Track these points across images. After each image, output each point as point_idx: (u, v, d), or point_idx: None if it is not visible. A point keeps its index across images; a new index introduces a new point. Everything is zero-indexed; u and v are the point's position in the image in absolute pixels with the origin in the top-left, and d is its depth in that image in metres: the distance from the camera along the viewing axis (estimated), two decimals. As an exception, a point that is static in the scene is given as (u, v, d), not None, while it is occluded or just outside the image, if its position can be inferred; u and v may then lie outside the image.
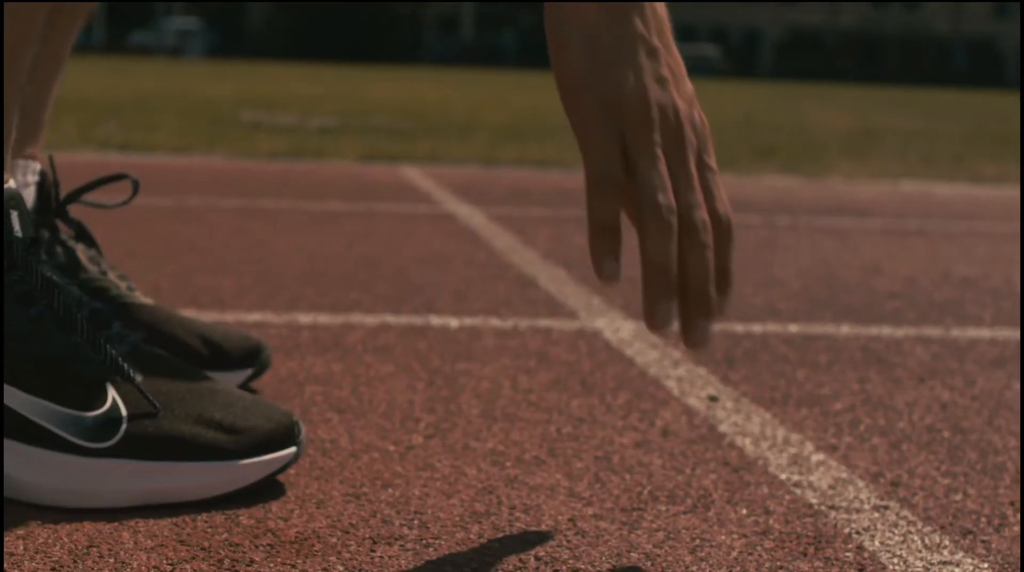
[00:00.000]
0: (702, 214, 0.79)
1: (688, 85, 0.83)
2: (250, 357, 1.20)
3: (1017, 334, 1.67)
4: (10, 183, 0.89)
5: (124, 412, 0.89)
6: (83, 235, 1.18)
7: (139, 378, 0.90)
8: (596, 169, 0.79)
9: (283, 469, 0.93)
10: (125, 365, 0.90)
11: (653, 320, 0.77)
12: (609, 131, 0.79)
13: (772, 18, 53.34)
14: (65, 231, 1.16)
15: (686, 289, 0.78)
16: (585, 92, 0.80)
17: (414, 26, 52.45)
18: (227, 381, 1.15)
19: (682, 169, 0.80)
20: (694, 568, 0.82)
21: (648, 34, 0.82)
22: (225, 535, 0.84)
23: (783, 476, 1.02)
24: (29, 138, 1.15)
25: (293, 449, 0.93)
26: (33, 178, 1.13)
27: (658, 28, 0.83)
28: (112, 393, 0.89)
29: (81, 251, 1.16)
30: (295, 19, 49.28)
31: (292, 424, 0.94)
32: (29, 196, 1.12)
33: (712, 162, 0.83)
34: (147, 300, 1.19)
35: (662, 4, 0.84)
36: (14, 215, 0.88)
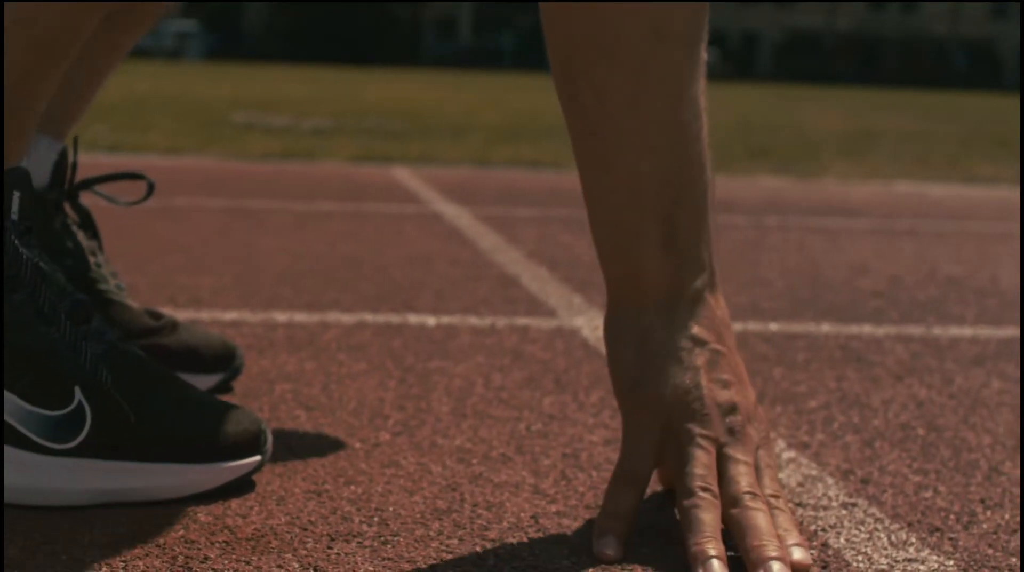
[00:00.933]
0: (750, 488, 0.82)
1: (750, 390, 0.88)
2: (223, 361, 1.19)
3: (998, 333, 1.66)
4: (23, 163, 0.88)
5: (89, 414, 0.88)
6: (87, 224, 1.18)
7: (109, 380, 0.89)
8: (624, 461, 0.85)
9: (247, 476, 0.92)
10: (98, 366, 0.89)
11: None
12: (651, 428, 0.84)
13: (770, 20, 53.35)
14: (71, 216, 1.16)
15: (742, 551, 0.79)
16: (636, 389, 0.86)
17: (413, 28, 52.46)
18: (198, 383, 1.14)
19: (738, 460, 0.83)
20: (654, 565, 0.81)
21: (707, 338, 0.87)
22: (182, 532, 0.83)
23: (752, 473, 1.01)
24: (68, 118, 1.16)
25: (257, 457, 0.92)
26: (53, 156, 1.13)
27: (718, 333, 0.87)
28: (79, 395, 0.88)
29: (82, 238, 1.15)
30: (294, 21, 49.27)
31: (259, 432, 0.93)
32: (46, 172, 1.12)
33: (770, 459, 0.86)
34: (133, 303, 1.18)
35: (725, 309, 0.89)
36: (16, 197, 0.87)
